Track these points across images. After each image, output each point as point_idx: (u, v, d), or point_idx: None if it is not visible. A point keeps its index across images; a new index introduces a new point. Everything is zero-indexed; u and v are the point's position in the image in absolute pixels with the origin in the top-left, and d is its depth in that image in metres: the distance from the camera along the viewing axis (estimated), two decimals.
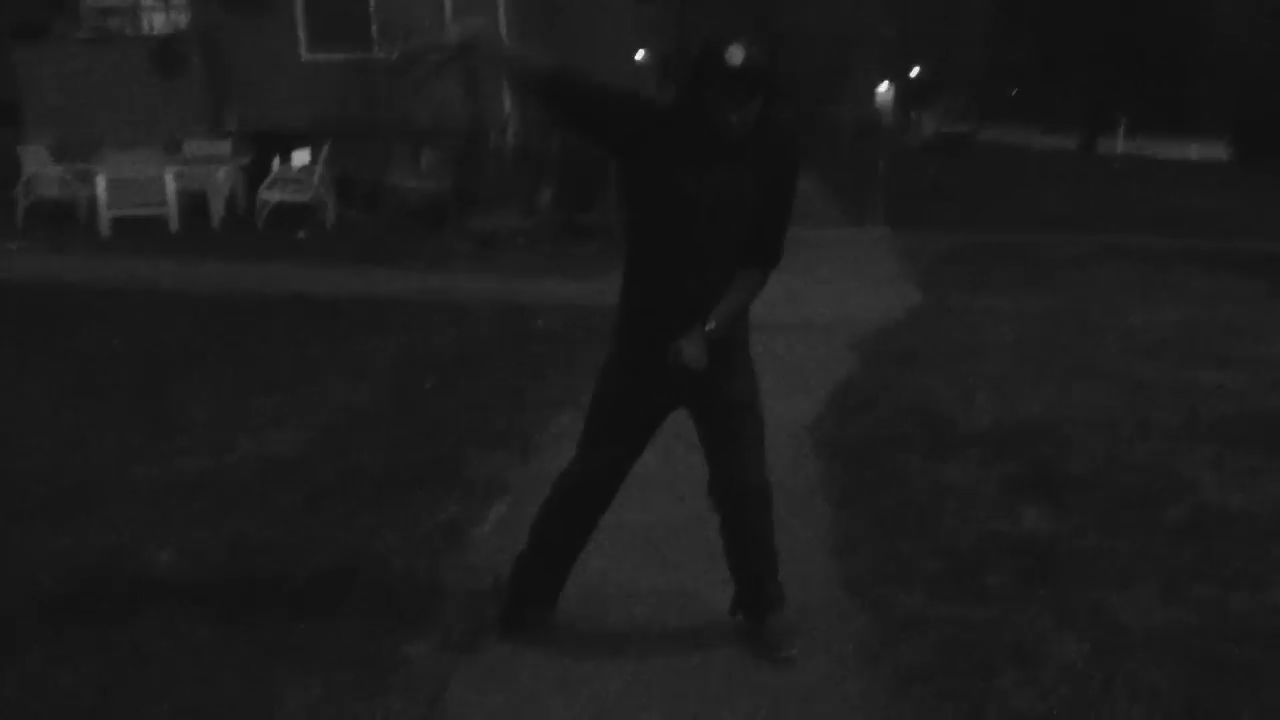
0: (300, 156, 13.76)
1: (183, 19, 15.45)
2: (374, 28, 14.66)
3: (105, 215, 12.33)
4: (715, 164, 3.06)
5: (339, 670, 3.29)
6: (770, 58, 2.98)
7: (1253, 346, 7.70)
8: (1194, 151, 40.04)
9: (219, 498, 4.71)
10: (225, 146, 13.98)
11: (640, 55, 24.38)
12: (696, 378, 3.14)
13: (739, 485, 3.36)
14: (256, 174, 13.66)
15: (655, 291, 3.17)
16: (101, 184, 12.29)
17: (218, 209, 13.01)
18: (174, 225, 12.55)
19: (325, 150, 13.45)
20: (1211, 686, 3.24)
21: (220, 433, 5.59)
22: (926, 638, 3.49)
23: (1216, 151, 38.42)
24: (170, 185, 12.44)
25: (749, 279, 3.20)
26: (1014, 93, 58.92)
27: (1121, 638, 3.51)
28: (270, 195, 13.03)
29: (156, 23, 15.93)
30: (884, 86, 63.46)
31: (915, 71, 67.26)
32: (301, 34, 15.08)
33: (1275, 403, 6.15)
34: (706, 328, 3.11)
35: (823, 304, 9.43)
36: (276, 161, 13.59)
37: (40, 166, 13.06)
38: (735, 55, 2.92)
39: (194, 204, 12.97)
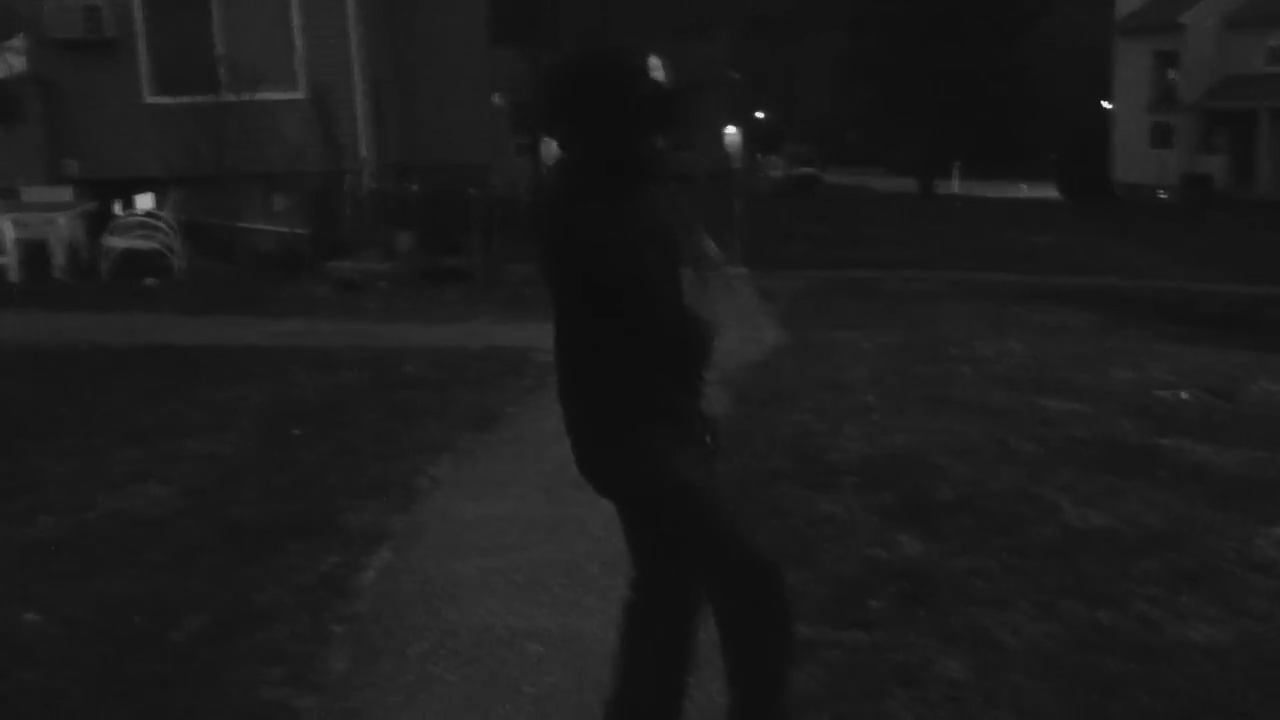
0: (145, 202, 13.32)
1: (19, 63, 14.84)
2: (221, 70, 14.34)
3: None
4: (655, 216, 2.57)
5: None
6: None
7: (1094, 375, 8.11)
8: (1025, 191, 42.17)
9: (83, 557, 4.50)
10: (66, 193, 13.45)
11: (497, 99, 24.46)
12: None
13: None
14: (100, 221, 13.16)
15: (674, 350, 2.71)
16: None
17: (59, 258, 12.48)
18: (14, 275, 12.00)
19: (173, 195, 13.06)
20: (1087, 698, 3.38)
21: (77, 490, 5.35)
22: (817, 664, 3.55)
23: (1048, 191, 40.57)
24: (9, 233, 11.91)
25: None
26: (852, 138, 61.16)
27: (1000, 655, 3.64)
28: (116, 242, 12.57)
29: None
30: (731, 130, 64.88)
31: (760, 116, 69.03)
32: (145, 77, 14.66)
33: (1122, 427, 6.49)
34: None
35: None
36: (120, 208, 13.12)
37: None
38: (659, 69, 2.37)
39: (34, 254, 12.42)
